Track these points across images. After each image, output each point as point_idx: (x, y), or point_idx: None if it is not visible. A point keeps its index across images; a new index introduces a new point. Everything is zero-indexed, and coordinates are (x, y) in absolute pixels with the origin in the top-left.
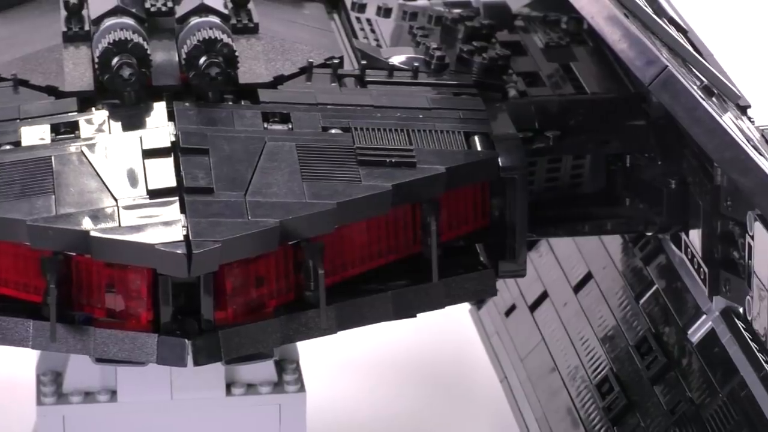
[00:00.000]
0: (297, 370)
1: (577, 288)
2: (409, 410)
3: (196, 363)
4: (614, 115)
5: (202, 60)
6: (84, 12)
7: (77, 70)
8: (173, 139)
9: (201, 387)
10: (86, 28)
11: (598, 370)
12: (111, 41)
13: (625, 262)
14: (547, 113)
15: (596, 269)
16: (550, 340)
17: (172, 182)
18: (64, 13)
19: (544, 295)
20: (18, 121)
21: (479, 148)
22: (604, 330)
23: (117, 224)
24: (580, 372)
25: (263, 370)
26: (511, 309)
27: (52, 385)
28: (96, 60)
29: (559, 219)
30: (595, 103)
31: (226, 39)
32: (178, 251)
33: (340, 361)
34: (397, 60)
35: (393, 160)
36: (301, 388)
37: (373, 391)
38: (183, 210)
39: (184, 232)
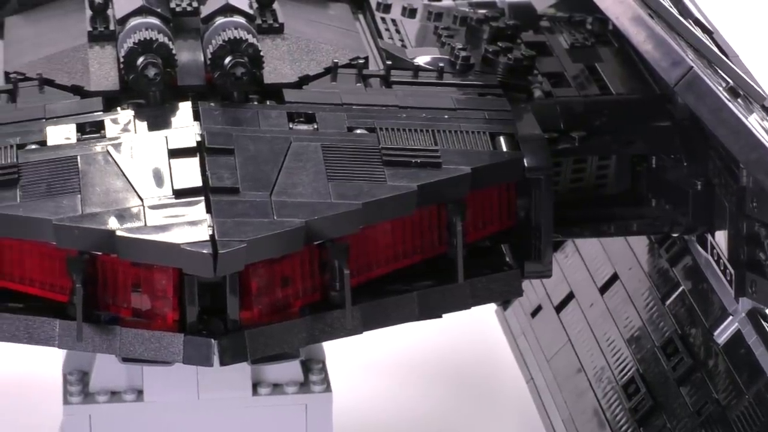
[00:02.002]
0: (323, 370)
1: (603, 289)
2: (435, 411)
3: (222, 363)
4: (639, 115)
5: (228, 60)
6: (109, 11)
7: (102, 69)
8: (199, 139)
9: (227, 387)
10: (111, 27)
11: (625, 371)
12: (136, 41)
13: (651, 263)
14: (572, 114)
15: (622, 270)
16: (576, 340)
17: (197, 182)
18: (89, 12)
19: (570, 296)
20: (43, 120)
21: (504, 149)
22: (630, 331)
23: (143, 224)
24: (607, 373)
25: (289, 370)
26: (537, 310)
27: (78, 384)
28: (121, 60)
29: (584, 220)
30: (620, 103)
31: (251, 39)
32: (204, 251)
33: (365, 362)
34: (422, 60)
35: (418, 161)
36: (327, 388)
37: (399, 391)
38: (209, 210)
39: (210, 232)
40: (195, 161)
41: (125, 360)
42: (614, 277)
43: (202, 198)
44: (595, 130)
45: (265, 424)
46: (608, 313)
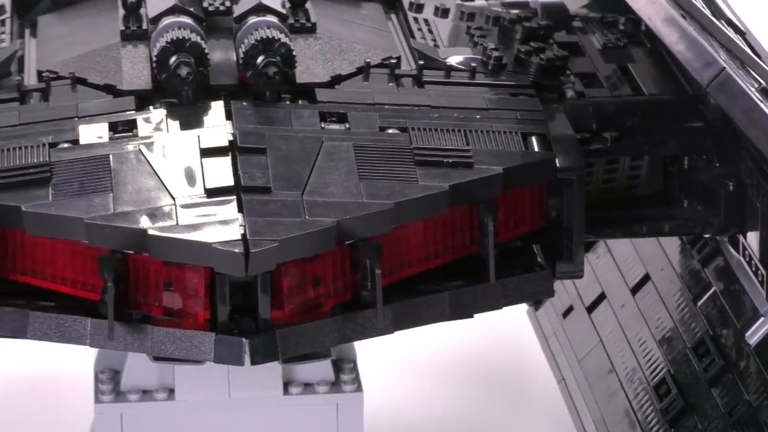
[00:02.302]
0: (354, 369)
1: (635, 289)
2: (466, 411)
3: (254, 362)
4: (671, 116)
5: (260, 59)
6: (142, 11)
7: (135, 68)
8: (231, 138)
9: (258, 386)
10: (144, 26)
11: (656, 371)
12: (169, 40)
13: (683, 264)
14: (604, 114)
15: (654, 271)
16: (607, 341)
17: (229, 181)
18: (122, 11)
19: (601, 297)
20: (76, 119)
21: (536, 149)
22: (661, 332)
23: (175, 223)
24: (638, 374)
25: (320, 369)
26: (569, 310)
27: (110, 383)
28: (154, 59)
29: (616, 220)
30: (652, 104)
31: (283, 38)
32: (236, 250)
33: (396, 362)
34: (454, 60)
35: (450, 161)
36: (359, 388)
37: (430, 391)
38: (240, 209)
39: (242, 231)
40: (227, 160)
41: (156, 359)
42: (646, 278)
43: (234, 197)
44: (627, 131)
45: (296, 424)
46: (640, 313)
